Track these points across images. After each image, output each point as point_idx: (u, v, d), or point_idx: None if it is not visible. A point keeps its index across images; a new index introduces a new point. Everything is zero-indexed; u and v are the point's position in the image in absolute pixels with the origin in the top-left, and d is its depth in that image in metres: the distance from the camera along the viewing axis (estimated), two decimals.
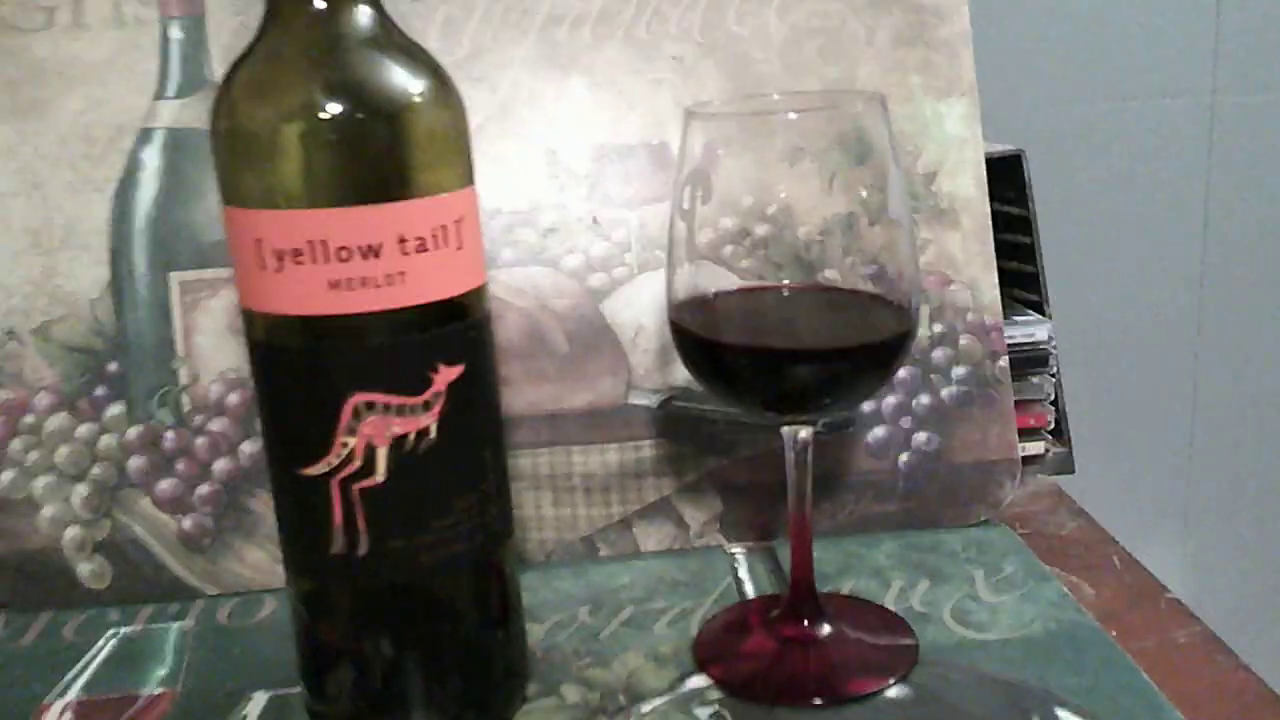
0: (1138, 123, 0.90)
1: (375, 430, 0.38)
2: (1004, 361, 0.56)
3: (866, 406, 0.55)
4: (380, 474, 0.38)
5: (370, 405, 0.37)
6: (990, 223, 0.56)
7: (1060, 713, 0.41)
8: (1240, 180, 0.92)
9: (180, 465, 0.54)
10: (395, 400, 0.37)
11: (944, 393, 0.56)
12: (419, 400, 0.38)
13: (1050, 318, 0.61)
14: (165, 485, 0.54)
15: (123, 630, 0.52)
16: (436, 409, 0.38)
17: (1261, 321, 0.97)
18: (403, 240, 0.36)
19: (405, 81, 0.37)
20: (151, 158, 0.54)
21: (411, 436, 0.38)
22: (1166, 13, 0.88)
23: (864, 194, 0.42)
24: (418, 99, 0.37)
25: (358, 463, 0.38)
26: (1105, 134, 0.90)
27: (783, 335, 0.43)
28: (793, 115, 0.41)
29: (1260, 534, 1.03)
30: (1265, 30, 0.89)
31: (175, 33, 0.54)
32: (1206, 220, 0.93)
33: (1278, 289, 0.96)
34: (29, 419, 0.53)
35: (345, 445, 0.38)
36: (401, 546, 0.39)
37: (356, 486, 0.38)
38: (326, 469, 0.38)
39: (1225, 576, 1.03)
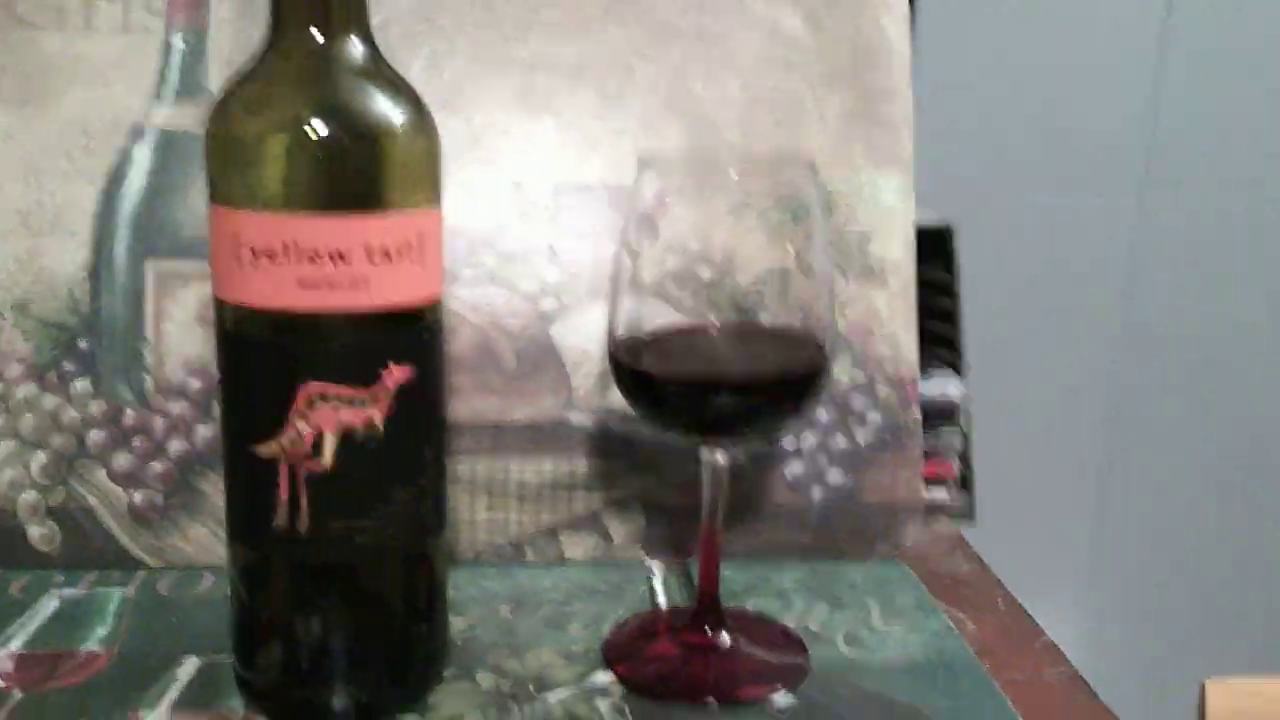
0: (1067, 214, 0.96)
1: (325, 419, 0.41)
2: (916, 412, 0.60)
3: (787, 444, 0.60)
4: (327, 459, 0.42)
5: (324, 396, 0.41)
6: (914, 285, 0.61)
7: None
8: (1161, 274, 0.98)
9: (137, 442, 0.57)
10: (347, 393, 0.41)
11: (859, 436, 0.60)
12: (368, 394, 0.42)
13: (964, 377, 0.65)
14: (121, 460, 0.57)
15: (66, 592, 0.55)
16: (384, 404, 0.42)
17: (1174, 412, 1.03)
18: (369, 250, 0.40)
19: (387, 110, 0.42)
20: (143, 155, 0.57)
21: (359, 428, 0.42)
22: (1103, 117, 0.95)
23: (796, 250, 0.47)
24: (397, 126, 0.42)
25: (307, 447, 0.41)
26: (1037, 220, 0.96)
27: (706, 367, 0.47)
28: (734, 174, 0.45)
29: (1161, 606, 1.08)
30: (1197, 136, 0.96)
31: (178, 42, 0.57)
32: (1126, 303, 0.99)
33: (1192, 372, 1.02)
34: None
35: (297, 430, 0.41)
36: (340, 529, 0.42)
37: (304, 469, 0.42)
38: (278, 449, 0.42)
39: (1122, 642, 1.08)
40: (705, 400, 0.46)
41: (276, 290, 0.40)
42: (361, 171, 0.41)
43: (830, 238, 0.47)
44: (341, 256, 0.40)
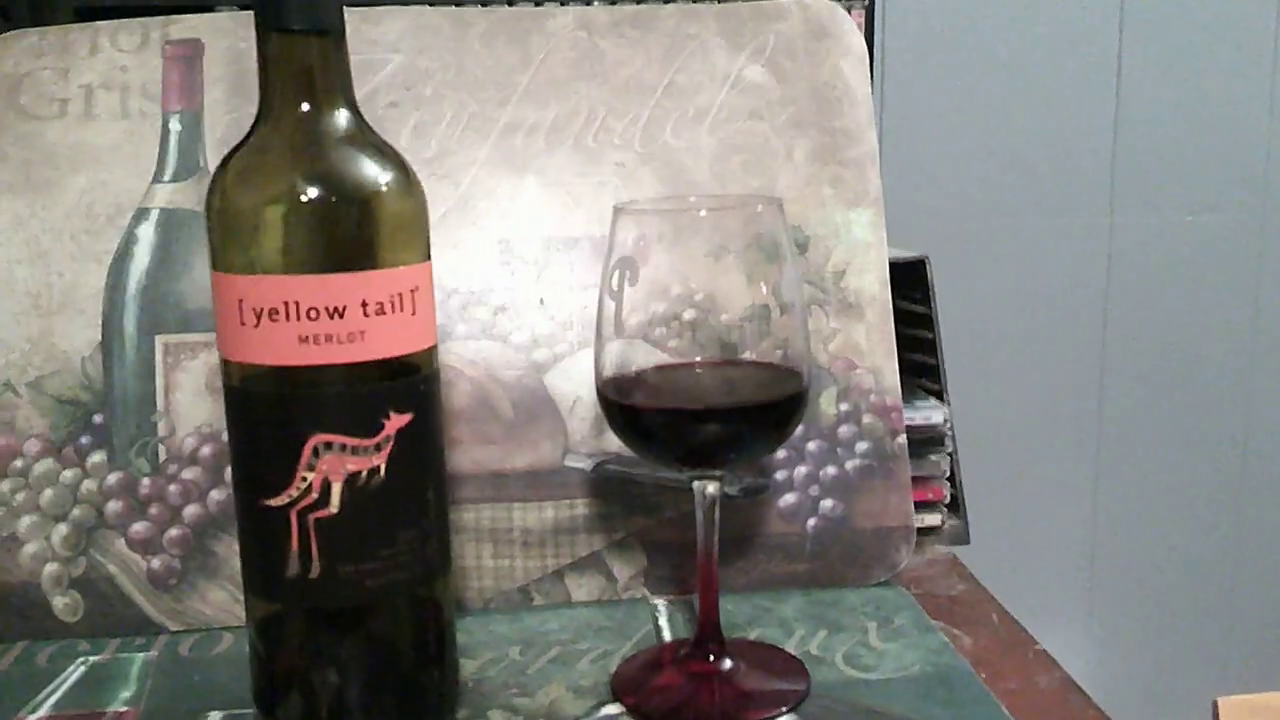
0: (1040, 236, 0.99)
1: (332, 467, 0.43)
2: (902, 439, 0.62)
3: (779, 475, 0.62)
4: (334, 506, 0.44)
5: (328, 445, 0.43)
6: (891, 316, 0.63)
7: None
8: (1137, 287, 1.00)
9: (153, 510, 0.59)
10: (350, 441, 0.43)
11: (848, 465, 0.62)
12: (371, 442, 0.44)
13: (948, 404, 0.67)
14: (138, 528, 0.59)
15: (92, 659, 0.56)
16: (386, 451, 0.44)
17: (1159, 421, 1.05)
18: (364, 304, 0.43)
19: (374, 173, 0.44)
20: (146, 234, 0.60)
21: (363, 474, 0.44)
22: (1067, 138, 0.98)
23: (770, 287, 0.49)
24: (384, 188, 0.44)
25: (315, 495, 0.44)
26: (1011, 244, 0.98)
27: (690, 399, 0.50)
28: (703, 213, 0.48)
29: (1162, 615, 1.09)
30: (1159, 154, 0.98)
31: (175, 125, 0.61)
32: (1105, 321, 1.01)
33: (1174, 385, 1.04)
34: (18, 463, 0.59)
35: (304, 479, 0.43)
36: (350, 572, 0.44)
37: (312, 516, 0.44)
38: (287, 500, 0.44)
39: (1124, 654, 1.09)
40: (691, 429, 0.48)
41: (279, 347, 0.43)
42: (353, 232, 0.43)
43: (800, 272, 0.49)
44: (339, 312, 0.42)
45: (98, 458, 0.59)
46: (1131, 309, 0.99)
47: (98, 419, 0.59)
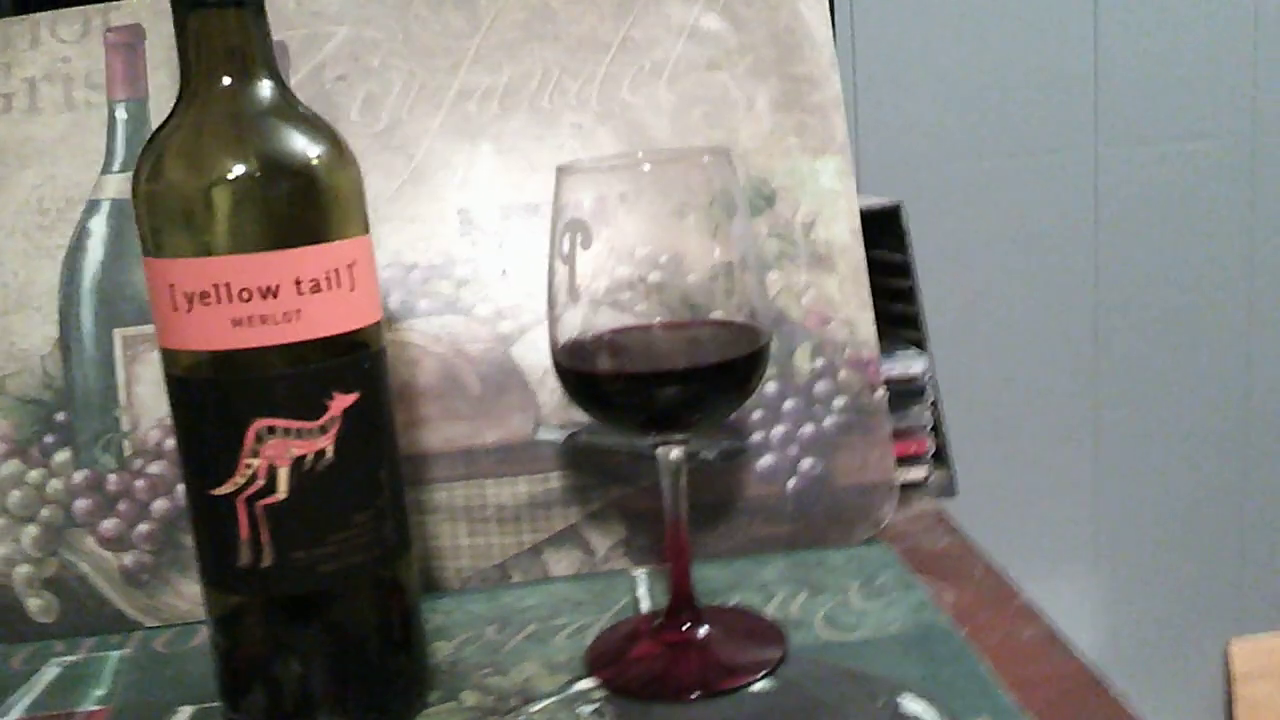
0: (1023, 175, 0.97)
1: (276, 452, 0.42)
2: (881, 392, 0.61)
3: (756, 436, 0.60)
4: (282, 491, 0.43)
5: (271, 430, 0.42)
6: (865, 267, 0.61)
7: (903, 697, 0.45)
8: (1128, 223, 0.98)
9: (122, 506, 0.58)
10: (294, 425, 0.42)
11: (826, 422, 0.60)
12: (316, 425, 0.43)
13: (929, 354, 0.66)
14: (108, 524, 0.58)
15: (66, 659, 0.56)
16: (333, 432, 0.43)
17: (1158, 356, 1.03)
18: (299, 282, 0.42)
19: (303, 145, 0.43)
20: (98, 226, 0.59)
21: (310, 457, 0.43)
22: (1047, 72, 0.95)
23: (726, 241, 0.48)
24: (314, 161, 0.43)
25: (261, 482, 0.43)
26: (993, 185, 0.96)
27: (646, 362, 0.48)
28: (647, 167, 0.46)
29: (1170, 557, 1.07)
30: (1142, 83, 0.96)
31: (121, 114, 0.59)
32: (1096, 258, 0.99)
33: (1172, 318, 1.01)
34: None
35: (249, 466, 0.42)
36: (303, 558, 0.43)
37: (261, 504, 0.43)
38: (233, 488, 0.43)
39: (1132, 600, 1.07)
40: (649, 393, 0.47)
41: (213, 332, 0.41)
42: (285, 208, 0.42)
43: (749, 222, 0.47)
44: (272, 292, 0.41)
45: (63, 456, 0.58)
46: (1122, 243, 0.96)
47: (60, 417, 0.58)
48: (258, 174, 0.41)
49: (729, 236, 0.47)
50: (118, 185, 0.59)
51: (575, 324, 0.48)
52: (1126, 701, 0.44)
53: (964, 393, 0.78)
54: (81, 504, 0.58)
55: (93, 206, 0.59)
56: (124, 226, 0.59)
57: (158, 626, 0.58)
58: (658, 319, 0.48)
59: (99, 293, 0.59)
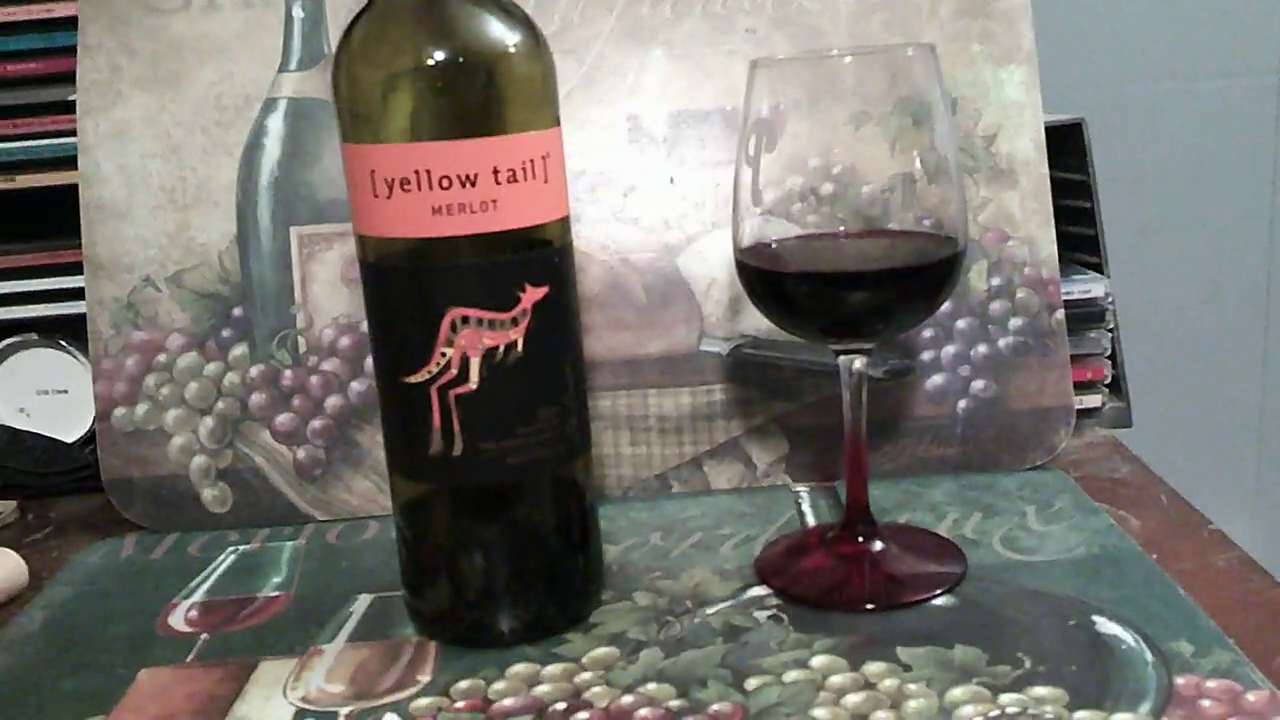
0: (1204, 99, 0.92)
1: (469, 342, 0.42)
2: (1060, 314, 0.58)
3: (926, 355, 0.59)
4: (473, 382, 0.43)
5: (465, 319, 0.42)
6: (1048, 183, 0.59)
7: (1098, 619, 0.44)
8: None
9: (296, 401, 0.59)
10: (488, 315, 0.42)
11: (1001, 343, 0.59)
12: (508, 316, 0.43)
13: (1108, 277, 0.63)
14: (282, 419, 0.59)
15: (242, 547, 0.57)
16: (523, 325, 0.43)
17: None
18: (496, 171, 0.41)
19: (501, 34, 0.42)
20: (275, 124, 0.60)
21: (501, 349, 0.43)
22: None
23: (920, 152, 0.46)
24: (511, 49, 0.42)
25: (454, 371, 0.43)
26: (1173, 108, 0.91)
27: (836, 264, 0.47)
28: (848, 60, 0.45)
29: None
30: None
31: (298, 11, 0.60)
32: (1274, 189, 0.94)
33: None
34: (162, 358, 0.60)
35: (444, 355, 0.42)
36: (491, 449, 0.43)
37: (453, 393, 0.43)
38: (427, 376, 0.43)
39: None
40: (837, 296, 0.45)
41: (412, 219, 0.41)
42: (482, 96, 0.42)
43: (955, 131, 0.45)
44: (471, 180, 0.41)
45: (239, 350, 0.60)
46: None
47: (237, 312, 0.60)
48: (459, 60, 0.41)
49: (932, 139, 0.45)
50: (294, 84, 0.60)
51: (761, 228, 0.47)
52: None
53: (1134, 322, 0.75)
54: (257, 398, 0.59)
55: (270, 105, 0.60)
56: (300, 125, 0.60)
57: (328, 520, 0.59)
58: (842, 228, 0.47)
59: (276, 191, 0.59)
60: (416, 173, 0.41)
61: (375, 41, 0.42)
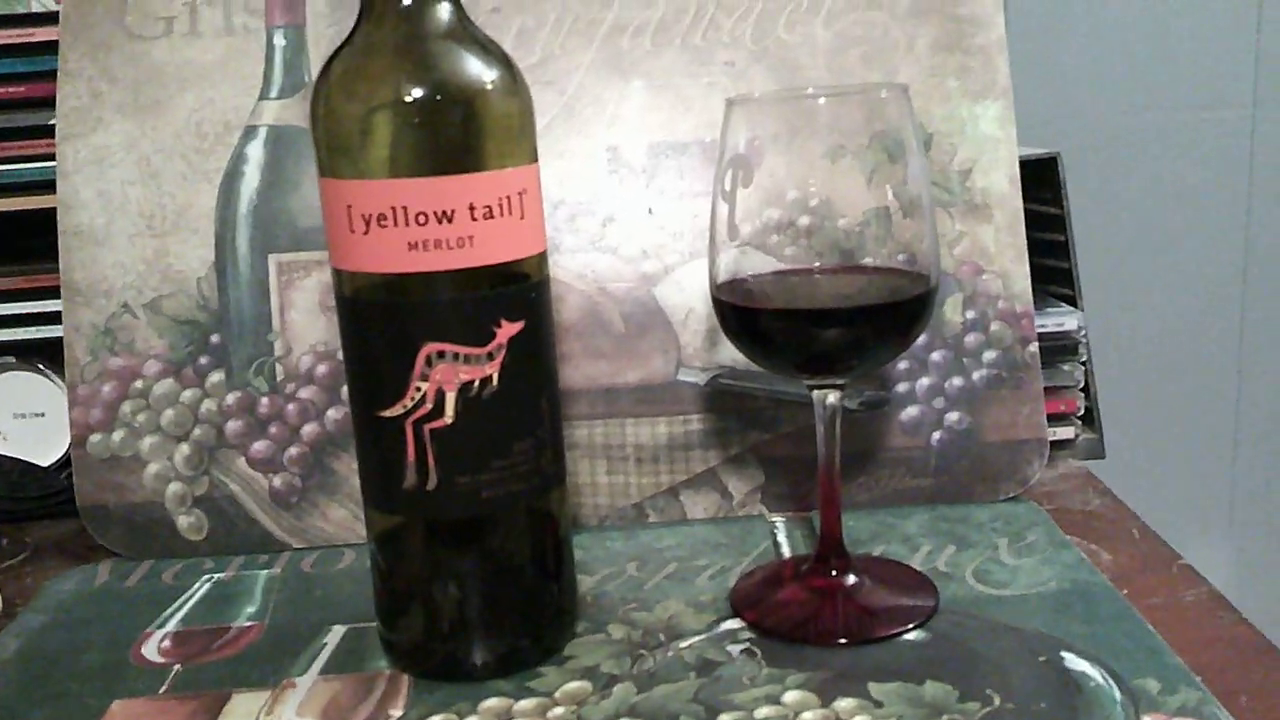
0: (1178, 132, 0.93)
1: (445, 376, 0.43)
2: (1034, 347, 0.59)
3: (901, 387, 0.59)
4: (449, 416, 0.43)
5: (441, 354, 0.42)
6: (1022, 217, 0.59)
7: (1067, 655, 0.44)
8: None
9: (273, 428, 0.59)
10: (463, 350, 0.42)
11: (975, 375, 0.59)
12: (484, 351, 0.43)
13: (1081, 310, 0.64)
14: (259, 446, 0.59)
15: (216, 576, 0.57)
16: (499, 360, 0.43)
17: None
18: (473, 207, 0.42)
19: (479, 71, 0.43)
20: (255, 152, 0.60)
21: (476, 383, 0.43)
22: (1207, 28, 0.91)
23: (894, 188, 0.46)
24: (489, 86, 0.43)
25: (429, 405, 0.43)
26: (1147, 141, 0.92)
27: (810, 300, 0.47)
28: (823, 100, 0.45)
29: None
30: None
31: (279, 40, 0.60)
32: (1249, 221, 0.95)
33: None
34: (139, 384, 0.60)
35: (419, 389, 0.43)
36: (466, 483, 0.44)
37: (428, 427, 0.43)
38: (402, 410, 0.43)
39: (1268, 571, 1.03)
40: (811, 332, 0.46)
41: (389, 254, 0.42)
42: (460, 133, 0.42)
43: (926, 166, 0.46)
44: (448, 216, 0.41)
45: (216, 377, 0.60)
46: (1277, 208, 0.92)
47: (215, 339, 0.60)
48: (438, 97, 0.41)
49: (905, 176, 0.45)
50: (275, 111, 0.60)
51: (736, 263, 0.47)
52: None
53: (1108, 353, 0.76)
54: (233, 425, 0.59)
55: (250, 132, 0.60)
56: (280, 153, 0.60)
57: (304, 548, 0.59)
58: (818, 264, 0.47)
59: (255, 218, 0.60)
60: (393, 209, 0.41)
61: (354, 77, 0.43)
